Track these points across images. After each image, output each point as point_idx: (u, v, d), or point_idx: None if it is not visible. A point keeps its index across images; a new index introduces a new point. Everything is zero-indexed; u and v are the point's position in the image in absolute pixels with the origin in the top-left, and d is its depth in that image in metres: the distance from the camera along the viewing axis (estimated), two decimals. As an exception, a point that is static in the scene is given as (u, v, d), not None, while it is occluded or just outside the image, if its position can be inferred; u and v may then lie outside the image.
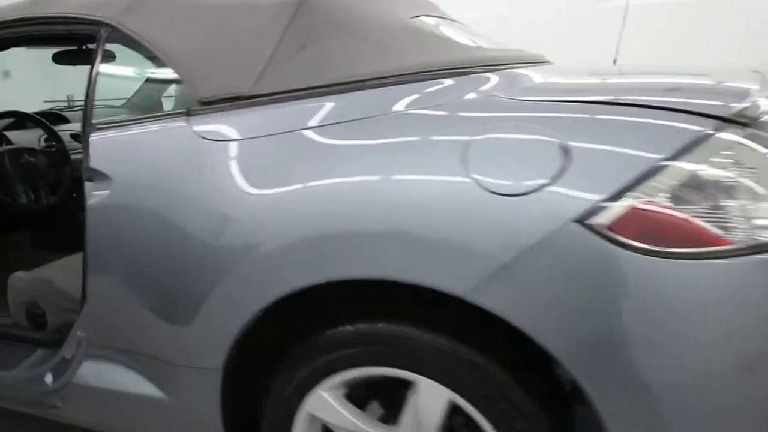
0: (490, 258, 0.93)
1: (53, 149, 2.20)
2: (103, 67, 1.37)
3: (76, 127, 2.53)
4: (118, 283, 1.29)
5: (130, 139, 1.27)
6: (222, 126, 1.20)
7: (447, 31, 1.40)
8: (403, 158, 1.03)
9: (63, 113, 2.59)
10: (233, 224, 1.12)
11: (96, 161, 1.28)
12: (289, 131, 1.14)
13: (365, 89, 1.18)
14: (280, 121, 1.16)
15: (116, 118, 1.33)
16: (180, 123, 1.22)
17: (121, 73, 1.58)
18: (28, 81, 5.10)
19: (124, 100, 2.31)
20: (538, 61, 1.57)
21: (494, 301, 0.94)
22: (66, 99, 5.26)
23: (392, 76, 1.21)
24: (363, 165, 1.06)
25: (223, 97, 1.23)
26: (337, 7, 1.34)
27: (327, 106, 1.16)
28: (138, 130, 1.28)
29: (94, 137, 1.29)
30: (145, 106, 1.39)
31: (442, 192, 0.97)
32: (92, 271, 1.32)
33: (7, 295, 1.84)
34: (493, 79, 1.25)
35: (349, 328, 1.10)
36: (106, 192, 1.26)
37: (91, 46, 2.26)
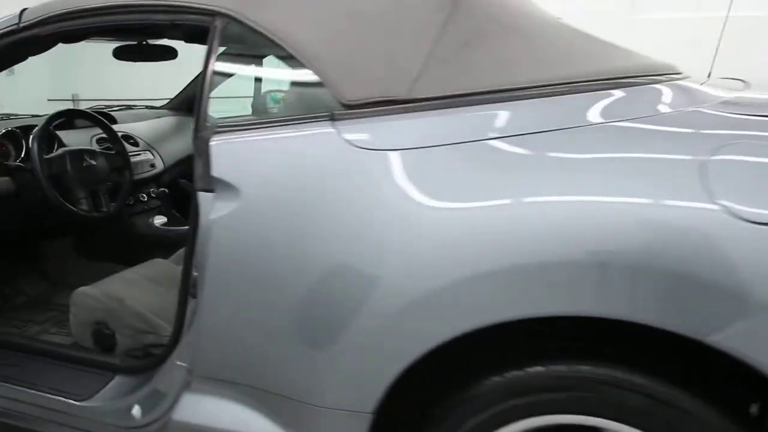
0: (746, 295, 0.79)
1: (113, 152, 2.02)
2: (220, 65, 1.20)
3: (123, 127, 2.35)
4: (241, 310, 1.12)
5: (263, 146, 1.11)
6: (379, 133, 1.04)
7: (585, 36, 1.26)
8: (621, 177, 0.89)
9: (112, 112, 2.40)
10: (403, 249, 0.97)
11: (220, 169, 1.11)
12: (472, 140, 0.99)
13: (545, 96, 1.04)
14: (458, 128, 1.01)
15: (241, 121, 1.17)
16: (325, 129, 1.07)
17: (237, 71, 1.41)
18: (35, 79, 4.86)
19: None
20: (676, 72, 1.44)
21: (740, 343, 0.81)
22: (71, 98, 5.03)
23: (564, 84, 1.07)
24: (573, 182, 0.91)
25: (374, 100, 1.08)
26: (494, 2, 1.19)
27: (513, 113, 1.02)
28: (270, 135, 1.11)
29: (217, 142, 1.13)
30: (269, 108, 1.22)
31: (682, 218, 0.83)
32: (208, 293, 1.15)
33: (71, 313, 1.66)
34: (667, 90, 1.12)
35: (539, 369, 0.95)
36: (233, 205, 1.10)
37: (153, 41, 2.10)
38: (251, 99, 1.84)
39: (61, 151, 1.81)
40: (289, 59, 1.15)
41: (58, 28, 1.42)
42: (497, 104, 1.03)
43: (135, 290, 1.71)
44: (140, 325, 1.58)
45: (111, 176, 1.94)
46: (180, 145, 2.56)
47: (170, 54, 2.14)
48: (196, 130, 1.18)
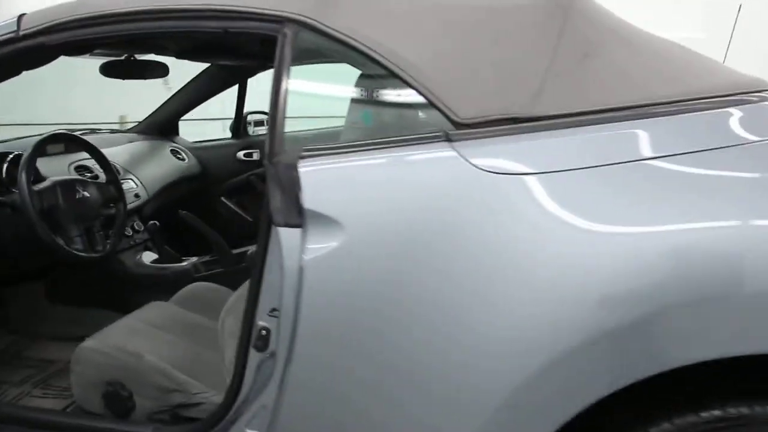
0: None
1: (103, 182, 1.76)
2: (295, 80, 1.03)
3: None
4: (346, 367, 0.95)
5: (369, 172, 0.95)
6: (511, 156, 0.92)
7: (683, 48, 1.20)
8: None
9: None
10: (559, 290, 0.84)
11: (317, 201, 0.94)
12: (616, 163, 0.88)
13: (682, 113, 0.95)
14: (598, 149, 0.91)
15: (333, 144, 1.00)
16: (444, 152, 0.93)
17: (315, 87, 1.23)
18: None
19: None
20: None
21: None
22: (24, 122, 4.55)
23: (694, 99, 0.99)
24: (740, 204, 0.83)
25: (492, 119, 0.95)
26: (601, 11, 1.10)
27: (656, 131, 0.92)
28: (375, 160, 0.96)
29: (310, 168, 0.96)
30: (363, 129, 1.07)
31: None
32: (301, 347, 0.97)
33: (73, 372, 1.39)
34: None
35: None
36: (334, 243, 0.93)
37: (140, 56, 1.88)
38: (327, 118, 1.66)
39: (49, 182, 1.55)
40: (382, 71, 1.01)
41: (69, 37, 1.20)
42: (635, 122, 0.94)
43: (146, 341, 1.47)
44: (165, 383, 1.35)
45: (102, 209, 1.69)
46: (158, 172, 2.32)
47: (161, 70, 1.93)
48: (271, 155, 1.00)
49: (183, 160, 2.53)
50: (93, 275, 1.97)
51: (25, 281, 1.97)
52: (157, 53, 1.86)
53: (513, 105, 0.96)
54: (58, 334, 1.94)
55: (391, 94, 1.04)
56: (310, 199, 0.94)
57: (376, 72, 1.02)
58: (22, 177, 1.44)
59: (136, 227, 1.98)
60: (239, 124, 2.65)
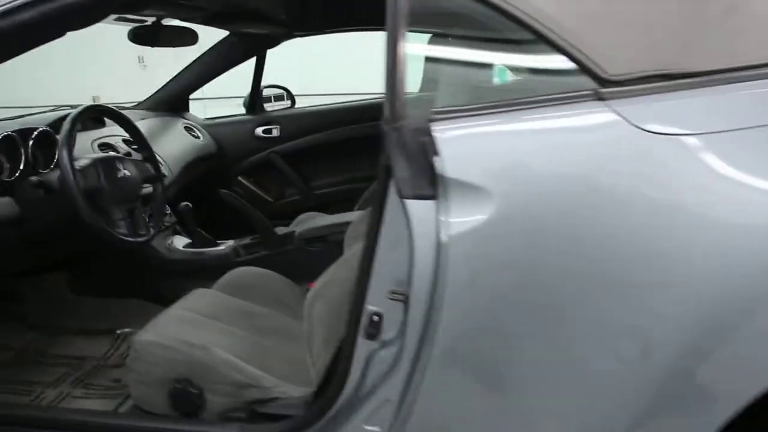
0: None
1: (141, 159, 1.61)
2: (415, 38, 0.91)
3: (115, 130, 1.91)
4: (494, 357, 0.85)
5: (517, 136, 0.85)
6: (672, 115, 0.83)
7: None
8: None
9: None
10: (743, 250, 0.76)
11: (459, 169, 0.83)
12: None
13: None
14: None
15: (466, 105, 0.89)
16: (600, 112, 0.83)
17: (436, 43, 1.10)
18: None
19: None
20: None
21: None
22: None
23: None
24: None
25: (645, 75, 0.86)
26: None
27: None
28: (522, 123, 0.85)
29: (446, 133, 0.85)
30: (498, 88, 0.95)
31: None
32: (444, 336, 0.86)
33: (133, 370, 1.26)
34: None
35: None
36: (479, 217, 0.83)
37: (171, 21, 1.71)
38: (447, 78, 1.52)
39: (88, 159, 1.39)
40: (516, 24, 0.90)
41: None
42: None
43: (205, 333, 1.34)
44: (238, 378, 1.23)
45: (140, 189, 1.54)
46: (178, 150, 2.16)
47: (190, 37, 1.77)
48: (393, 119, 0.89)
49: (197, 138, 2.37)
50: (121, 263, 1.82)
51: (45, 272, 1.81)
52: (185, 18, 1.70)
53: (663, 61, 0.86)
54: (85, 328, 1.78)
55: (529, 50, 0.94)
56: (452, 167, 0.83)
57: (509, 26, 0.91)
58: (64, 154, 1.28)
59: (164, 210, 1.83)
60: (256, 98, 2.49)
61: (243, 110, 2.57)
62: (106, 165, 1.40)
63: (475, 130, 0.85)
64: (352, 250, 1.52)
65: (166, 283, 1.79)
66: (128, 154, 1.64)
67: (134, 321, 1.80)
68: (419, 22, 0.97)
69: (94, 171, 1.37)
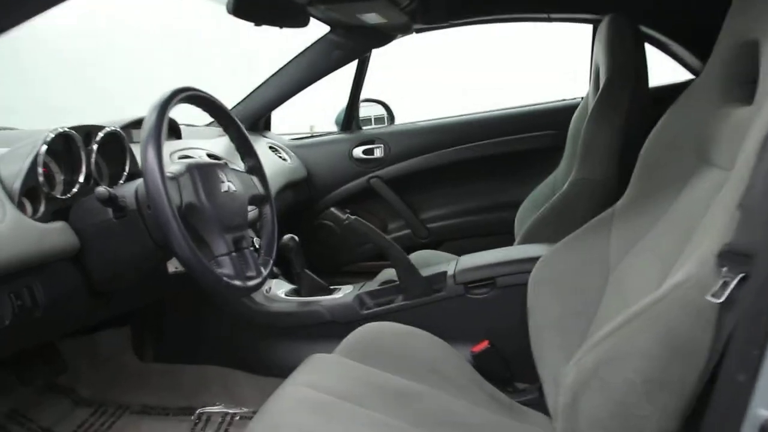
0: None
1: (246, 170, 1.15)
2: None
3: (198, 143, 1.48)
4: None
5: None
6: None
7: None
8: None
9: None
10: None
11: None
12: None
13: None
14: None
15: None
16: None
17: None
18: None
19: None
20: None
21: None
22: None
23: None
24: None
25: None
26: None
27: None
28: None
29: None
30: None
31: None
32: None
33: None
34: None
35: None
36: None
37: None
38: None
39: (182, 165, 0.93)
40: None
41: None
42: None
43: (344, 425, 0.85)
44: None
45: (247, 213, 1.07)
46: (268, 173, 1.71)
47: (300, 18, 1.34)
48: None
49: (285, 160, 1.94)
50: (202, 317, 1.35)
51: (100, 329, 1.35)
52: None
53: None
54: (154, 405, 1.31)
55: None
56: None
57: None
58: (151, 155, 0.82)
59: (255, 243, 1.36)
60: (353, 113, 2.05)
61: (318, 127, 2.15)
62: (204, 174, 0.95)
63: None
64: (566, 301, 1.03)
65: (263, 344, 1.31)
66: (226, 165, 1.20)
67: (219, 395, 1.33)
68: None
69: (190, 181, 0.91)
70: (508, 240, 1.71)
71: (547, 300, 1.08)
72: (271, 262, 1.09)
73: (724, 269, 0.59)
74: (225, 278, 0.91)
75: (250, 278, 0.99)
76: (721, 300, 0.58)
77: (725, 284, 0.57)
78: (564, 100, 1.97)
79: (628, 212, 1.02)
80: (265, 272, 1.04)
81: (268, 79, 1.95)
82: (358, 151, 2.01)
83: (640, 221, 0.99)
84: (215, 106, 1.06)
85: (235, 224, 0.98)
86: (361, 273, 2.00)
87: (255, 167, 1.15)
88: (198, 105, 1.03)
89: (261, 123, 2.07)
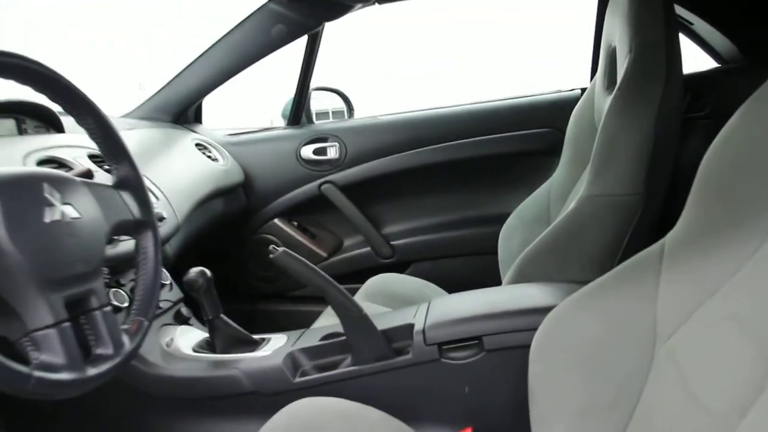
0: None
1: (113, 185, 0.77)
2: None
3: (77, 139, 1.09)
4: None
5: None
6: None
7: None
8: None
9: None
10: None
11: None
12: None
13: None
14: None
15: None
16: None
17: None
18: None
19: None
20: None
21: None
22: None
23: None
24: None
25: None
26: None
27: None
28: None
29: None
30: None
31: None
32: None
33: None
34: None
35: None
36: None
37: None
38: None
39: None
40: None
41: None
42: None
43: None
44: None
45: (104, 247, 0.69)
46: (185, 179, 1.34)
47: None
48: None
49: (215, 160, 1.57)
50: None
51: None
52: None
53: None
54: None
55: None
56: None
57: None
58: None
59: (118, 299, 0.95)
60: (302, 104, 1.69)
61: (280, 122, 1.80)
62: (11, 194, 0.56)
63: None
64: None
65: (159, 425, 0.93)
66: (88, 173, 0.81)
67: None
68: None
69: None
70: (489, 262, 1.40)
71: (559, 378, 0.74)
72: (146, 324, 0.72)
73: None
74: (39, 372, 0.54)
75: (98, 360, 0.61)
76: None
77: None
78: (559, 91, 1.65)
79: (687, 250, 0.67)
80: (128, 345, 0.67)
81: (194, 61, 1.57)
82: (307, 151, 1.66)
83: (709, 266, 0.64)
84: (58, 84, 0.68)
85: (73, 274, 0.61)
86: (315, 298, 1.67)
87: (127, 179, 0.77)
88: (23, 82, 0.65)
89: (190, 114, 1.69)
